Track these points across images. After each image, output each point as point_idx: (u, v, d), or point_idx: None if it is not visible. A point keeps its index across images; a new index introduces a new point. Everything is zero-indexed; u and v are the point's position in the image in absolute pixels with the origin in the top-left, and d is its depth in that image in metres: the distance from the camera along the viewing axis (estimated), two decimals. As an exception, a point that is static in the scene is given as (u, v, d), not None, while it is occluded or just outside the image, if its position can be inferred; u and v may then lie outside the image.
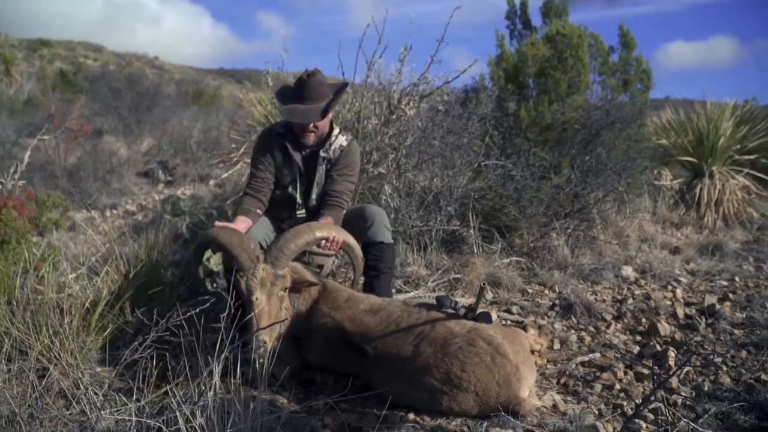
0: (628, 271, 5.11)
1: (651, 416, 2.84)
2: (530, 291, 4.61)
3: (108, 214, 8.27)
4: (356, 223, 3.62)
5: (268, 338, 2.89)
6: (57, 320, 2.91)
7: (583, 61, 6.26)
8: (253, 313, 2.87)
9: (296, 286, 3.14)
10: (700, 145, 7.95)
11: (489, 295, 4.40)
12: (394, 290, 4.39)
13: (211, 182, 9.58)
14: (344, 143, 3.67)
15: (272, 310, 2.95)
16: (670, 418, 2.65)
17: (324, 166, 3.65)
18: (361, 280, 3.66)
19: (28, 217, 3.48)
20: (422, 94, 4.87)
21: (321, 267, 3.67)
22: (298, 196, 3.66)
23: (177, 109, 14.85)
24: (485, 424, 2.70)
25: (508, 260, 4.95)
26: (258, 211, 3.57)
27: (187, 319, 2.69)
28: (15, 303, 3.04)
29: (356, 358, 2.92)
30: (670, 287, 4.83)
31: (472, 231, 5.06)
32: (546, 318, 4.11)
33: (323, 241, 3.16)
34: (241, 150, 6.36)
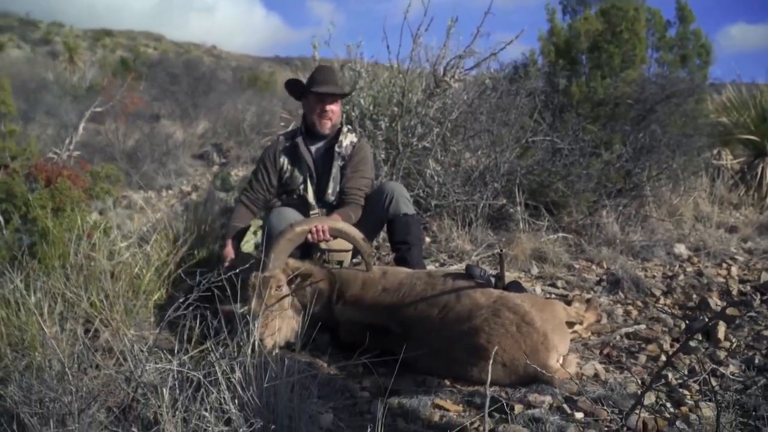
0: (680, 248, 4.96)
1: (695, 386, 2.78)
2: (577, 266, 4.54)
3: (164, 194, 8.50)
4: (377, 201, 3.67)
5: (268, 339, 2.91)
6: (107, 284, 3.02)
7: (639, 35, 6.06)
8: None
9: (295, 283, 3.12)
10: (762, 122, 7.61)
11: (534, 270, 4.35)
12: (437, 263, 4.39)
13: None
14: (354, 140, 3.80)
15: (269, 314, 2.94)
16: (716, 388, 2.57)
17: (338, 162, 3.74)
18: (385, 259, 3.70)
19: (83, 187, 3.61)
20: (468, 67, 4.81)
21: (341, 263, 3.69)
22: (309, 196, 3.71)
23: (232, 94, 15.12)
24: (523, 390, 2.69)
25: (555, 236, 4.87)
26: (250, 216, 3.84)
27: (230, 284, 2.77)
28: (69, 267, 3.16)
29: (384, 338, 2.92)
30: (724, 265, 4.67)
31: (518, 207, 5.00)
32: (592, 292, 4.04)
33: (309, 234, 3.15)
34: (290, 127, 6.42)
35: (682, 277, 4.35)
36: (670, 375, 2.90)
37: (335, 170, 3.71)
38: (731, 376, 2.85)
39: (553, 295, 3.92)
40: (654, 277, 4.40)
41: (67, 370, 2.24)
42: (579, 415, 2.51)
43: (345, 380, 2.80)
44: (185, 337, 2.56)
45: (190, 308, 2.57)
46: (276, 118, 10.74)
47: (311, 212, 3.69)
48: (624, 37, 6.00)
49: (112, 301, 3.01)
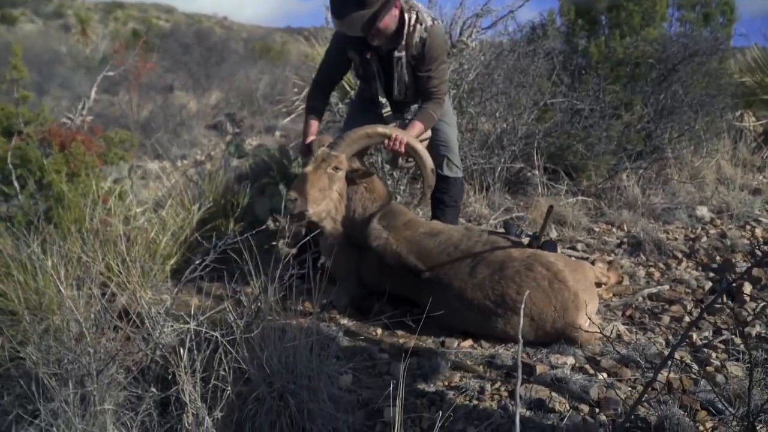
0: (702, 211, 4.86)
1: (721, 346, 2.73)
2: (597, 230, 4.46)
3: (178, 164, 8.49)
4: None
5: (300, 198, 2.98)
6: (123, 247, 3.00)
7: (659, -9, 5.89)
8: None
9: (353, 176, 3.17)
10: (788, 83, 7.42)
11: (554, 234, 4.29)
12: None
13: (277, 133, 9.68)
14: (424, 34, 3.28)
15: (315, 181, 3.02)
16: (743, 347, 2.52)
17: (404, 67, 3.36)
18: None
19: (96, 152, 3.58)
20: (485, 26, 4.69)
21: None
22: (380, 95, 3.46)
23: (244, 64, 15.04)
24: (545, 351, 2.66)
25: (574, 200, 4.78)
26: (323, 107, 3.55)
27: (246, 245, 2.74)
28: (85, 232, 3.14)
29: (412, 280, 2.90)
30: (748, 227, 4.58)
31: (536, 170, 4.91)
32: (613, 255, 3.97)
33: (386, 140, 3.09)
34: (303, 93, 6.35)
35: (704, 239, 4.27)
36: (694, 335, 2.86)
37: (398, 75, 3.40)
38: (757, 337, 2.80)
39: (573, 258, 3.86)
40: (676, 239, 4.32)
41: (84, 330, 2.23)
42: (602, 376, 2.47)
43: (364, 342, 2.78)
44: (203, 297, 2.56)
45: (207, 270, 2.56)
46: (289, 87, 10.66)
47: (383, 111, 3.50)
48: (644, -7, 5.83)
49: (129, 264, 2.99)
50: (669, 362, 1.99)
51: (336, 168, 3.09)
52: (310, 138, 3.33)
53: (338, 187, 3.13)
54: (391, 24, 3.20)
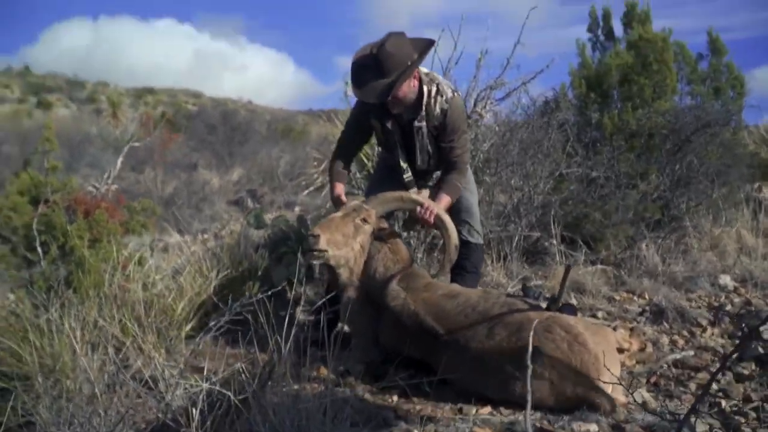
0: (725, 279, 4.77)
1: (752, 414, 2.62)
2: (617, 298, 4.40)
3: (199, 237, 8.60)
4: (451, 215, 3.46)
5: (323, 236, 3.01)
6: (140, 310, 3.01)
7: (669, 65, 6.02)
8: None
9: (379, 234, 3.23)
10: (805, 154, 7.44)
11: (573, 301, 4.23)
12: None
13: (296, 208, 9.80)
14: (445, 105, 3.32)
15: (341, 225, 3.08)
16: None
17: (424, 136, 3.40)
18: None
19: (119, 220, 3.66)
20: (498, 98, 4.81)
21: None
22: (401, 162, 3.49)
23: (267, 144, 15.42)
24: (566, 418, 2.57)
25: (593, 268, 4.74)
26: (345, 172, 3.60)
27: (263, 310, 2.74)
28: (103, 297, 3.17)
29: (429, 341, 2.86)
30: (774, 296, 4.48)
31: (553, 240, 4.90)
32: (635, 323, 3.89)
33: (418, 207, 3.15)
34: (322, 166, 6.46)
35: (729, 307, 4.18)
36: (723, 402, 2.76)
37: (419, 144, 3.43)
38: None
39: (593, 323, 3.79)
40: (699, 307, 4.23)
41: (97, 391, 2.22)
42: (626, 442, 2.38)
43: (379, 408, 2.72)
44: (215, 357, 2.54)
45: (222, 331, 2.55)
46: (309, 163, 10.88)
47: (405, 176, 3.52)
48: (654, 68, 5.96)
49: (145, 328, 3.00)
50: (694, 415, 1.92)
51: (364, 220, 3.15)
52: (339, 191, 3.43)
53: (362, 240, 3.17)
54: (409, 93, 3.28)
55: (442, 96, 3.34)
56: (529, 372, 1.65)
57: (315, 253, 3.08)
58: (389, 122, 3.40)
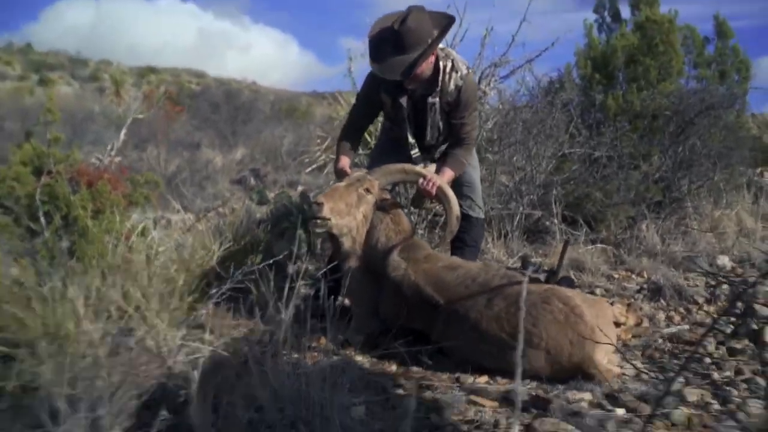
0: (724, 260, 4.80)
1: (743, 385, 2.67)
2: (616, 276, 4.43)
3: (202, 215, 8.63)
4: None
5: (326, 205, 3.04)
6: (143, 280, 3.05)
7: (675, 47, 6.00)
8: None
9: (382, 204, 3.25)
10: (808, 139, 7.43)
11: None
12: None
13: (299, 188, 9.82)
14: (459, 82, 3.33)
15: (344, 195, 3.11)
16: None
17: (437, 112, 3.41)
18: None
19: (122, 192, 3.68)
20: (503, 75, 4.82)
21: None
22: (409, 137, 3.51)
23: (270, 123, 15.40)
24: (561, 387, 2.62)
25: (593, 247, 4.77)
26: (352, 147, 3.61)
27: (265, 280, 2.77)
28: (106, 266, 3.20)
29: (428, 311, 2.90)
30: (772, 276, 4.50)
31: (555, 219, 4.92)
32: (632, 300, 3.93)
33: (421, 179, 3.18)
34: (325, 144, 6.47)
35: (725, 285, 4.20)
36: (716, 374, 2.80)
37: (431, 120, 3.44)
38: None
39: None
40: (697, 285, 4.26)
41: (100, 353, 2.26)
42: (620, 411, 2.42)
43: (378, 376, 2.76)
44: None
45: (224, 298, 2.59)
46: (313, 142, 10.89)
47: (412, 152, 3.55)
48: (660, 49, 5.94)
49: (148, 297, 3.03)
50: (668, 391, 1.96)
51: (367, 190, 3.19)
52: (344, 163, 3.44)
53: (365, 210, 3.20)
54: (426, 70, 3.28)
55: (457, 72, 3.34)
56: (521, 340, 1.69)
57: (318, 221, 3.10)
58: (403, 98, 3.40)
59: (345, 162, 3.47)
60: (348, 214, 3.15)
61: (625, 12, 7.50)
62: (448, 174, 3.34)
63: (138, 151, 12.40)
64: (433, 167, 3.46)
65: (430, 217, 4.68)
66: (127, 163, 10.12)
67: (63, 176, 3.41)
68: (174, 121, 14.02)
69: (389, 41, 3.15)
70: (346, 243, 3.24)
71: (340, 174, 3.40)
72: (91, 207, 3.42)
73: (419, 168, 3.24)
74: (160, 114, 10.03)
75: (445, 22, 3.27)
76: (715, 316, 3.49)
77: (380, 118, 3.90)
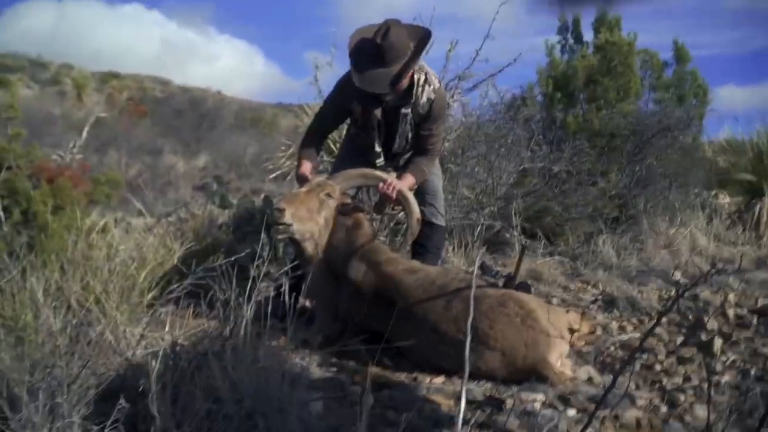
0: (677, 275, 4.96)
1: (690, 391, 2.77)
2: (572, 287, 4.54)
3: (163, 222, 8.55)
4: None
5: (288, 210, 3.06)
6: (104, 276, 3.03)
7: (633, 69, 6.22)
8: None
9: (343, 209, 3.29)
10: (760, 164, 7.70)
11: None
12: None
13: (263, 195, 9.83)
14: (432, 95, 3.40)
15: (305, 200, 3.13)
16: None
17: (409, 123, 3.46)
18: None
19: (84, 190, 3.66)
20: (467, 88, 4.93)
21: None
22: (377, 145, 3.53)
23: (234, 132, 15.36)
24: (515, 388, 2.68)
25: (551, 259, 4.89)
26: (315, 153, 3.62)
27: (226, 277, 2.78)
28: (66, 261, 3.18)
29: (387, 314, 2.93)
30: (721, 292, 4.67)
31: (515, 231, 5.03)
32: (587, 309, 4.03)
33: (381, 183, 3.23)
34: (290, 151, 6.49)
35: (682, 300, 4.34)
36: (665, 380, 2.90)
37: (401, 130, 3.48)
38: (726, 386, 2.85)
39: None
40: (650, 299, 4.39)
41: (60, 343, 2.25)
42: (571, 412, 2.50)
43: (337, 375, 2.79)
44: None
45: (185, 293, 2.60)
46: (277, 151, 10.88)
47: (377, 160, 3.56)
48: (618, 70, 6.16)
49: (108, 291, 3.02)
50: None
51: (328, 195, 3.21)
52: (305, 168, 3.44)
53: (326, 215, 3.23)
54: (405, 82, 3.34)
55: (430, 85, 3.41)
56: (468, 341, 1.79)
57: (280, 227, 3.13)
58: (377, 109, 3.44)
59: (306, 168, 3.48)
60: (310, 219, 3.18)
61: (588, 35, 7.74)
62: (409, 180, 3.40)
63: (99, 155, 12.24)
64: (394, 174, 3.52)
65: (392, 224, 4.73)
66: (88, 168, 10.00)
67: (23, 171, 3.38)
68: (137, 124, 13.90)
69: (371, 54, 3.20)
70: (309, 248, 3.27)
71: (302, 180, 3.42)
72: (52, 203, 3.39)
73: (378, 172, 3.29)
74: (122, 119, 9.94)
75: (422, 34, 3.34)
76: (668, 336, 3.60)
77: (345, 124, 3.95)
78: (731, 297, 4.52)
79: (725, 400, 2.67)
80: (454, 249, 4.91)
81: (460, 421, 1.43)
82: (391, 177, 3.26)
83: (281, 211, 3.09)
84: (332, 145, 5.49)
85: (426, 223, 3.58)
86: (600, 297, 4.26)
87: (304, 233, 3.19)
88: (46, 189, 3.37)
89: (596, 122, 5.95)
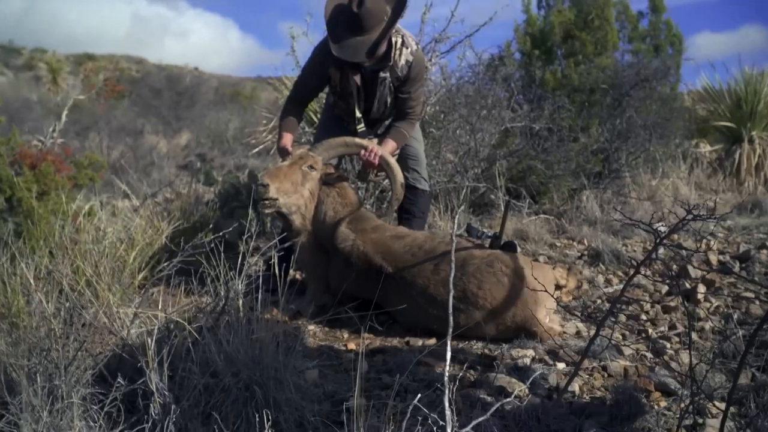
0: (660, 227, 5.02)
1: (675, 338, 2.84)
2: (558, 244, 4.61)
3: (149, 202, 8.52)
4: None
5: (272, 185, 3.09)
6: (94, 256, 3.04)
7: (610, 22, 6.21)
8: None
9: (327, 179, 3.32)
10: (738, 110, 7.77)
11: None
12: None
13: (246, 171, 9.79)
14: (410, 58, 3.40)
15: (288, 174, 3.15)
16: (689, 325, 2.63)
17: (387, 86, 3.46)
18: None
19: (67, 175, 3.65)
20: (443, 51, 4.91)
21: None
22: (357, 111, 3.52)
23: (215, 108, 15.21)
24: (506, 345, 2.74)
25: (536, 217, 4.94)
26: (297, 121, 3.61)
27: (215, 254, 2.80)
28: (54, 246, 3.18)
29: (377, 281, 2.97)
30: (705, 241, 4.75)
31: (499, 192, 5.07)
32: (573, 264, 4.10)
33: (362, 150, 3.25)
34: (271, 124, 6.46)
35: (662, 250, 4.41)
36: (650, 330, 2.98)
37: (380, 94, 3.48)
38: (711, 331, 2.93)
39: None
40: (635, 251, 4.48)
41: (54, 326, 2.27)
42: (561, 365, 2.57)
43: (330, 342, 2.84)
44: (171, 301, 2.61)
45: (176, 271, 2.62)
46: (259, 124, 10.82)
47: (357, 126, 3.55)
48: (595, 24, 6.15)
49: (99, 273, 3.03)
50: (596, 336, 2.09)
51: (311, 167, 3.24)
52: (286, 141, 3.43)
53: (310, 186, 3.25)
54: (383, 48, 3.31)
55: (407, 48, 3.40)
56: (450, 299, 1.85)
57: (266, 202, 3.14)
58: (355, 74, 3.41)
59: (288, 139, 3.47)
60: (294, 192, 3.20)
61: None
62: (391, 145, 3.41)
63: (80, 139, 12.10)
64: (375, 141, 3.52)
65: (377, 193, 4.76)
66: (69, 151, 9.89)
67: (5, 159, 3.36)
68: (115, 106, 13.72)
69: (348, 23, 3.19)
70: (296, 220, 3.29)
71: (283, 152, 3.42)
72: (36, 189, 3.38)
73: (359, 139, 3.30)
74: (101, 100, 9.81)
75: (396, 4, 3.29)
76: (653, 287, 3.67)
77: (323, 94, 3.93)
78: (714, 244, 4.62)
79: (709, 345, 2.75)
80: (440, 213, 4.94)
81: (447, 378, 1.47)
82: (372, 144, 3.27)
83: (265, 186, 3.10)
84: (313, 116, 5.47)
85: (410, 189, 3.60)
86: (585, 252, 4.32)
87: (290, 206, 3.21)
88: (29, 175, 3.35)
89: (575, 78, 5.95)
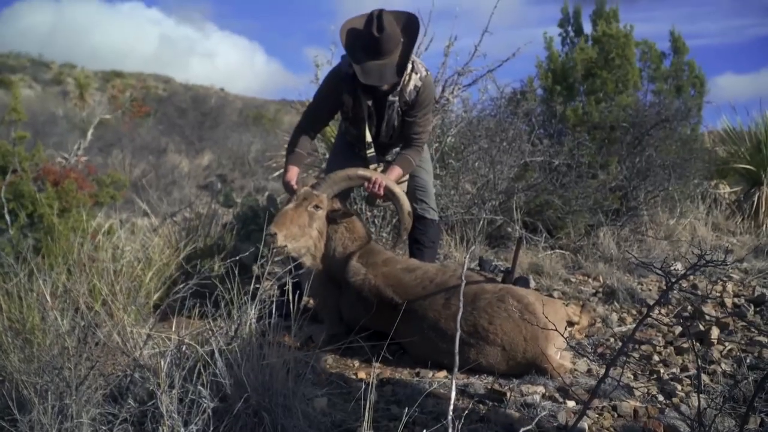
0: (677, 266, 5.00)
1: (687, 380, 2.81)
2: (573, 280, 4.58)
3: (168, 221, 8.61)
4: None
5: (279, 234, 3.06)
6: (111, 275, 3.08)
7: (631, 61, 6.24)
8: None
9: (333, 216, 3.29)
10: (758, 153, 7.72)
11: (532, 284, 4.40)
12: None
13: (266, 194, 9.87)
14: (419, 83, 3.42)
15: (295, 216, 3.11)
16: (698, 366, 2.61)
17: (396, 110, 3.46)
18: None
19: (89, 192, 3.71)
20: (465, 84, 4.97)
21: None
22: (368, 135, 3.51)
23: (238, 130, 15.40)
24: (516, 381, 2.73)
25: (552, 252, 4.93)
26: (305, 153, 3.60)
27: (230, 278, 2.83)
28: (73, 263, 3.23)
29: (388, 313, 2.98)
30: (720, 282, 4.71)
31: (516, 225, 5.07)
32: (587, 301, 4.08)
33: (366, 183, 3.25)
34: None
35: (677, 291, 4.38)
36: (662, 370, 2.95)
37: (388, 117, 3.49)
38: (722, 374, 2.90)
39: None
40: (650, 290, 4.44)
41: (68, 344, 2.30)
42: (571, 403, 2.55)
43: (341, 370, 2.84)
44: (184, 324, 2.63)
45: (190, 295, 2.64)
46: (280, 147, 10.92)
47: (367, 151, 3.54)
48: (616, 63, 6.18)
49: (114, 292, 3.07)
50: (606, 376, 2.07)
51: (316, 207, 3.23)
52: (291, 176, 3.44)
53: (318, 226, 3.25)
54: (408, 69, 3.36)
55: (416, 74, 3.43)
56: (458, 334, 1.85)
57: (275, 250, 3.14)
58: (368, 98, 3.43)
59: (293, 173, 3.47)
60: (302, 235, 3.19)
61: (588, 27, 7.74)
62: (396, 172, 3.42)
63: (103, 155, 12.31)
64: (382, 167, 3.54)
65: (395, 221, 4.78)
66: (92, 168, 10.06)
67: (28, 175, 3.43)
68: (140, 124, 13.96)
69: (367, 47, 3.22)
70: (307, 261, 3.29)
71: (287, 187, 3.44)
72: (57, 205, 3.44)
73: (363, 171, 3.29)
74: (125, 118, 9.99)
75: (406, 19, 3.35)
76: (667, 328, 3.64)
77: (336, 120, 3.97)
78: (729, 287, 4.57)
79: (719, 388, 2.72)
80: (456, 244, 4.95)
81: (451, 411, 1.47)
82: (376, 174, 3.28)
83: (273, 235, 3.09)
84: (332, 140, 5.53)
85: (419, 219, 3.62)
86: (600, 289, 4.30)
87: (300, 250, 3.22)
88: (52, 192, 3.42)
89: (596, 115, 5.98)
